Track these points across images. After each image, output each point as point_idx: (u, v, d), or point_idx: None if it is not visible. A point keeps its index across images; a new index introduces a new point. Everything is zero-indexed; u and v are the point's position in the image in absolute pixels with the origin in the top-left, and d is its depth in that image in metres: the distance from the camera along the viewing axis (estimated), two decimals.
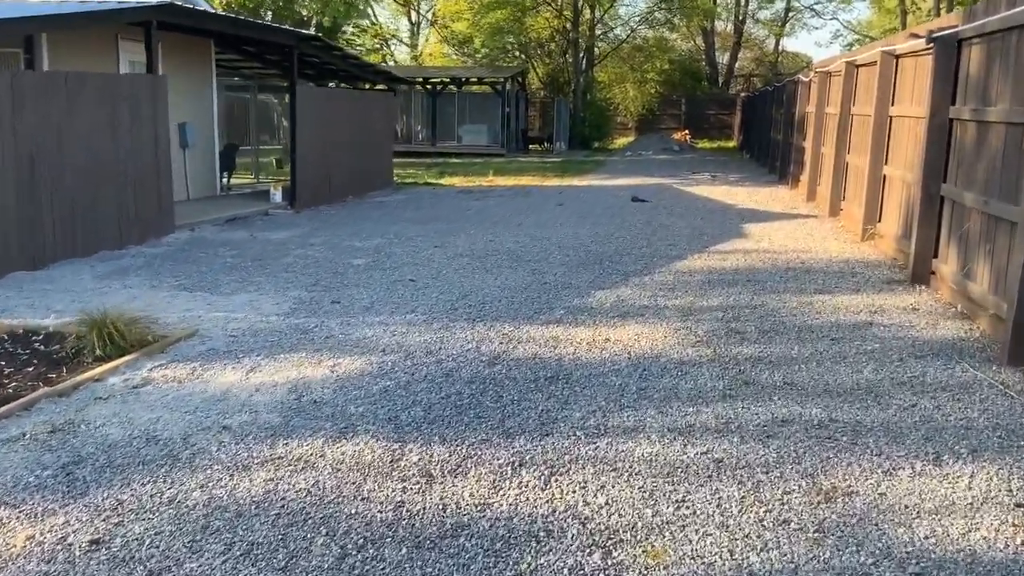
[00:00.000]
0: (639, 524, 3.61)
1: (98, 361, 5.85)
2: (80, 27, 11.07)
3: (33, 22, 9.72)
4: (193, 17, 11.58)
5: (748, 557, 3.35)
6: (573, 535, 3.53)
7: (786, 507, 3.73)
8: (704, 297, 7.76)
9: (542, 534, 3.54)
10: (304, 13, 25.60)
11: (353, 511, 3.73)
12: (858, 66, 12.31)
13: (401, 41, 48.80)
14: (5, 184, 8.61)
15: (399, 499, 3.83)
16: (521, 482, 4.00)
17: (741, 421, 4.71)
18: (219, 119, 16.17)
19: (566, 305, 7.44)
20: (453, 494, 3.88)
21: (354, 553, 3.40)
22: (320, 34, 18.35)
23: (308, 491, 3.91)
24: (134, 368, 5.71)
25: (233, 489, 3.94)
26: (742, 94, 41.37)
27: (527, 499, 3.84)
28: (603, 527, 3.59)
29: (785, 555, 3.36)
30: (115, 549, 3.44)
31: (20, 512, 3.73)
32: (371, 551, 3.41)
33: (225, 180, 16.35)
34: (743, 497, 3.83)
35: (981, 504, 3.76)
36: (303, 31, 14.10)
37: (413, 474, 4.08)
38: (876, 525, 3.58)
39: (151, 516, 3.70)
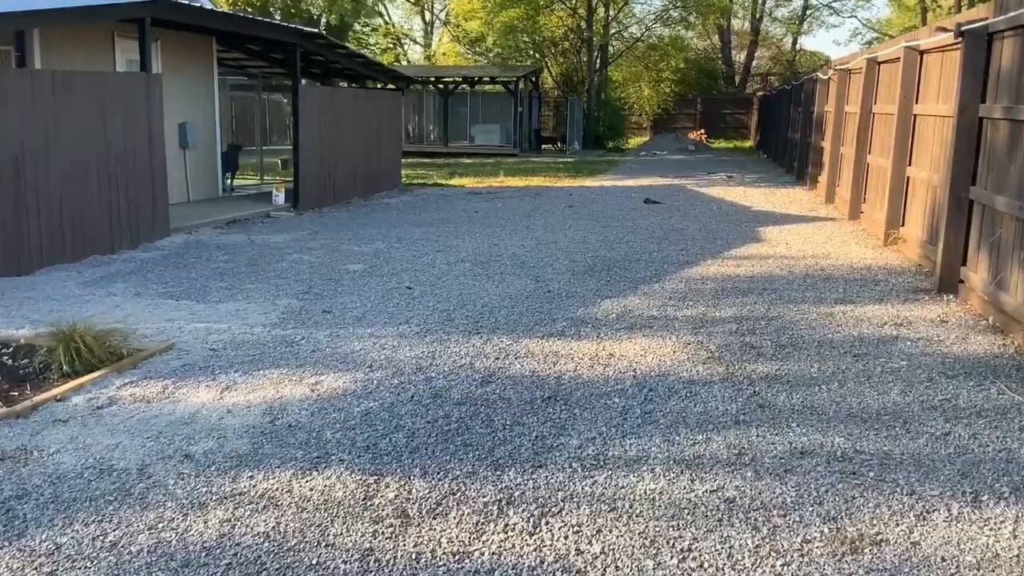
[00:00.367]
0: None
1: (65, 378, 5.46)
2: (70, 23, 10.71)
3: (19, 17, 9.35)
4: (188, 13, 11.20)
5: None
6: None
7: (806, 559, 3.28)
8: (717, 307, 7.30)
9: None
10: (313, 11, 25.23)
11: (315, 560, 3.30)
12: (880, 63, 11.80)
13: (415, 41, 48.54)
14: None
15: (368, 546, 3.40)
16: (508, 525, 3.57)
17: (755, 452, 4.25)
18: (222, 119, 15.82)
19: (569, 316, 7.00)
20: (430, 540, 3.45)
21: None
22: (325, 32, 17.98)
23: (267, 535, 3.49)
24: (101, 386, 5.32)
25: (184, 532, 3.52)
26: (759, 93, 40.77)
27: (513, 546, 3.40)
28: None
29: None
30: None
31: None
32: None
33: (228, 181, 16.00)
34: (757, 546, 3.38)
35: None
36: (305, 28, 13.71)
37: (387, 514, 3.65)
38: None
39: (88, 564, 3.28)
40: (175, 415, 4.84)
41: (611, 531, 3.51)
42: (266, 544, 3.42)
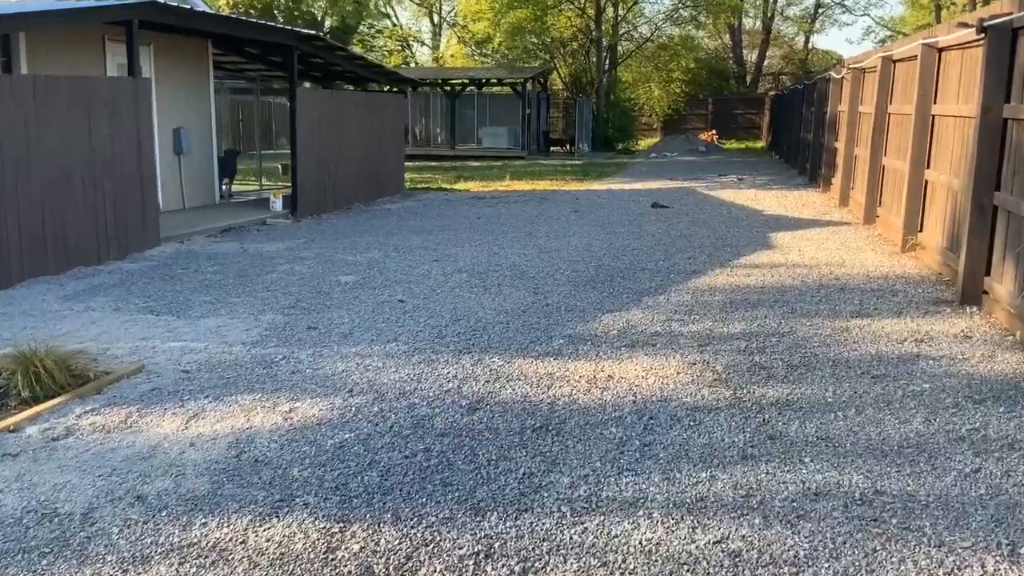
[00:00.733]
0: None
1: (23, 404, 5.09)
2: (55, 26, 10.38)
3: (2, 20, 9.03)
4: (178, 16, 10.85)
5: None
6: None
7: None
8: (725, 322, 6.88)
9: None
10: (316, 13, 24.88)
11: None
12: (895, 61, 11.35)
13: (422, 42, 48.19)
14: None
15: None
16: None
17: (764, 494, 3.84)
18: (219, 123, 15.49)
19: (567, 332, 6.59)
20: None
21: None
22: (329, 34, 17.62)
23: None
24: (60, 414, 4.95)
25: None
26: (771, 93, 40.23)
27: None
28: None
29: None
30: None
31: None
32: None
33: (225, 187, 15.65)
34: None
35: None
36: (302, 30, 13.34)
37: (349, 571, 3.26)
38: None
39: None
40: (134, 448, 4.46)
41: None
42: None
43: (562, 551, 3.39)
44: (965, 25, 7.90)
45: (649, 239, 11.16)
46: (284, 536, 3.52)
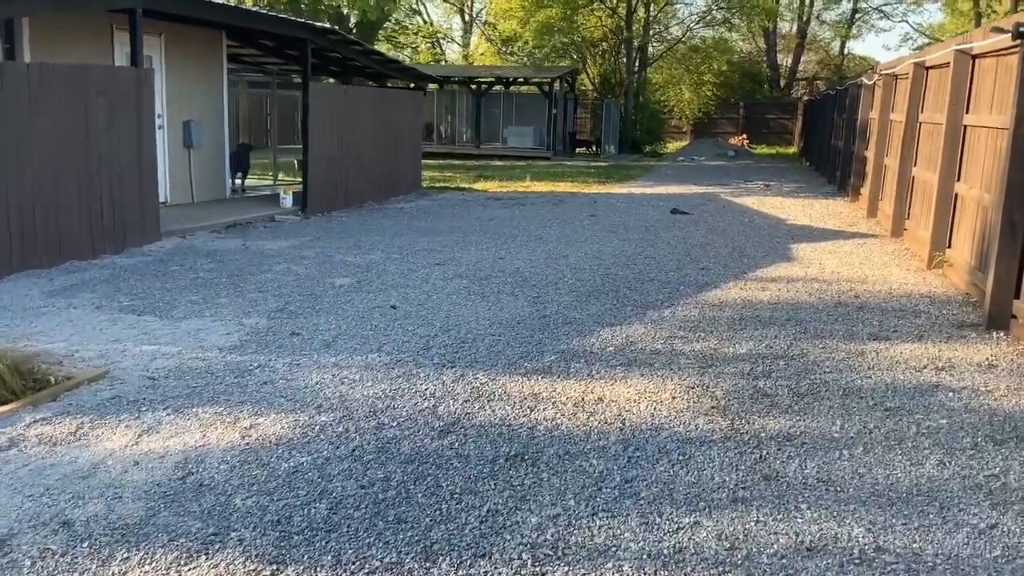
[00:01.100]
0: None
1: None
2: (56, 12, 10.14)
3: (2, 4, 8.78)
4: (182, 5, 10.58)
5: None
6: None
7: None
8: (731, 341, 6.45)
9: None
10: (342, 7, 24.61)
11: None
12: (928, 68, 10.83)
13: (453, 40, 47.90)
14: None
15: None
16: None
17: (752, 547, 3.43)
18: (232, 117, 15.23)
19: (561, 348, 6.20)
20: None
21: None
22: (350, 29, 17.32)
23: None
24: (8, 422, 4.64)
25: None
26: (804, 98, 39.48)
27: None
28: None
29: None
30: None
31: None
32: None
33: (238, 182, 15.41)
34: None
35: None
36: (316, 23, 13.04)
37: None
38: None
39: None
40: (76, 465, 4.14)
41: None
42: None
43: None
44: (1000, 30, 7.41)
45: (663, 247, 10.73)
46: None
